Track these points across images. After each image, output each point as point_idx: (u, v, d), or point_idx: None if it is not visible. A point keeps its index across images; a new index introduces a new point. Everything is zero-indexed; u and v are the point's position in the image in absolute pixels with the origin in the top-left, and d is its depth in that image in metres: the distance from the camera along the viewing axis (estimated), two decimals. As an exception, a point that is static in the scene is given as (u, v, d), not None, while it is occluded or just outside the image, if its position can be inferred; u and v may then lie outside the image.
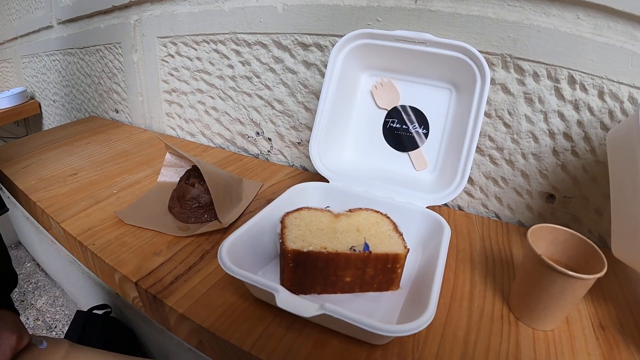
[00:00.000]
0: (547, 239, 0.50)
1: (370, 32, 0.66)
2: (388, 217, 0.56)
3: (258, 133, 0.97)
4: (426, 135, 0.69)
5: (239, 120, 0.99)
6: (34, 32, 1.66)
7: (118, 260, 0.60)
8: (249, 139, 1.00)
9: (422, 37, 0.63)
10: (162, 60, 1.08)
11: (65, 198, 0.78)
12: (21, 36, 1.80)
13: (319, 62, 0.82)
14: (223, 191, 0.70)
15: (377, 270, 0.49)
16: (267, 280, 0.44)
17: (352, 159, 0.75)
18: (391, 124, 0.71)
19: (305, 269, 0.49)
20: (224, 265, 0.47)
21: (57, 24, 1.47)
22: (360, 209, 0.59)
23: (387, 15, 0.70)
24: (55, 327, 2.33)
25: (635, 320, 0.51)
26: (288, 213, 0.57)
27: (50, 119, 1.75)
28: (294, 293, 0.44)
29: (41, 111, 1.82)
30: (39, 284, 2.63)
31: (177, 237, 0.66)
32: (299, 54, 0.84)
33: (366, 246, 0.48)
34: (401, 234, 0.53)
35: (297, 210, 0.58)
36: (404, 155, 0.71)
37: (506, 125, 0.68)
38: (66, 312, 2.40)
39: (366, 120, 0.73)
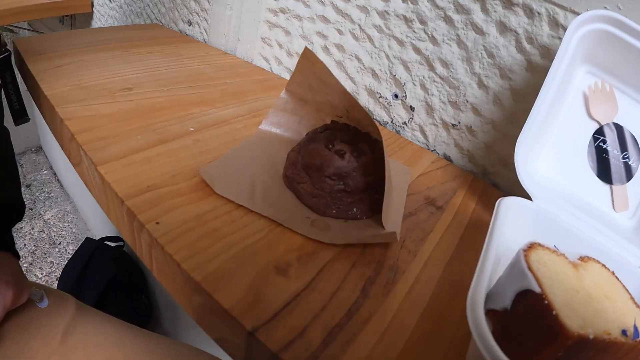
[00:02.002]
0: None
1: (619, 20, 0.44)
2: (617, 278, 0.37)
3: (396, 95, 0.63)
4: (636, 169, 0.51)
5: (373, 71, 0.65)
6: None
7: (208, 270, 0.28)
8: (381, 99, 0.65)
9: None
10: (275, -37, 0.72)
11: (111, 123, 0.46)
12: None
13: (522, 31, 0.52)
14: (389, 179, 0.36)
15: (628, 362, 0.31)
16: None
17: (549, 174, 0.52)
18: (601, 144, 0.51)
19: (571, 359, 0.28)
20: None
21: None
22: (589, 258, 0.37)
23: (632, 6, 0.45)
24: (60, 243, 2.09)
25: None
26: (525, 252, 0.31)
27: (102, 21, 1.40)
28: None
29: (93, 10, 1.47)
30: (52, 194, 2.39)
31: (314, 242, 0.34)
32: (495, 11, 0.53)
33: (636, 332, 0.30)
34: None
35: (531, 247, 0.32)
36: (605, 187, 0.51)
37: None
38: (74, 230, 2.16)
39: (572, 129, 0.52)
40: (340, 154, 0.38)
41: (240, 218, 0.35)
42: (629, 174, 0.50)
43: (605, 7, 0.46)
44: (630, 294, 0.35)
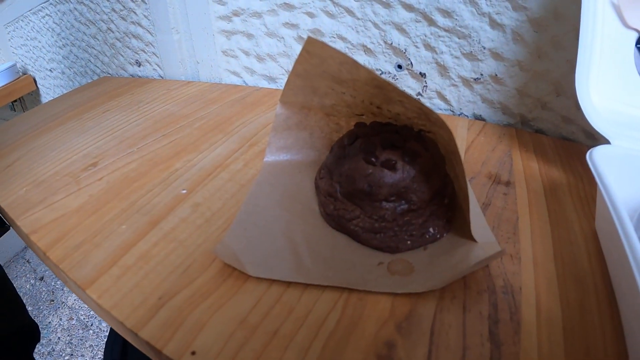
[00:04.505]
0: None
1: None
2: None
3: (400, 66, 0.53)
4: None
5: (365, 46, 0.54)
6: (12, -11, 1.19)
7: None
8: (384, 75, 0.55)
9: None
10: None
11: (84, 219, 0.35)
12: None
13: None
14: (464, 176, 0.26)
15: None
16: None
17: (609, 106, 0.42)
18: None
19: None
20: None
21: (39, -34, 1.00)
22: None
23: None
24: (92, 324, 2.00)
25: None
26: None
27: (50, 94, 1.30)
28: None
29: (37, 87, 1.37)
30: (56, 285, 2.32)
31: (405, 296, 0.24)
32: None
33: None
34: None
35: None
36: None
37: None
38: (102, 307, 2.11)
39: (613, 47, 0.42)
40: (390, 165, 0.27)
41: (298, 302, 0.24)
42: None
43: None
44: None
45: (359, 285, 0.25)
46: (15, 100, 1.48)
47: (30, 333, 0.63)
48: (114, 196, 0.38)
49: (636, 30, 0.40)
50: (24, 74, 1.43)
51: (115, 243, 0.31)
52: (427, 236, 0.28)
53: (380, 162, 0.28)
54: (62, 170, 0.46)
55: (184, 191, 0.37)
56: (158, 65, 0.81)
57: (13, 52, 1.47)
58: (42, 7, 1.12)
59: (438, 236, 0.28)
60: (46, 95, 1.37)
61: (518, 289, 0.26)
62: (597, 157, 0.31)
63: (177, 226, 0.32)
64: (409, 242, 0.27)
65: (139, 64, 0.86)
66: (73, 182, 0.42)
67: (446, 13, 0.48)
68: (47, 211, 0.38)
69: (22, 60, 1.41)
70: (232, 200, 0.35)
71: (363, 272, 0.26)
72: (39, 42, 1.24)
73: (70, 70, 1.13)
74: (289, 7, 0.58)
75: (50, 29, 1.14)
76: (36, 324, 0.65)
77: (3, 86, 1.35)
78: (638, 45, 0.41)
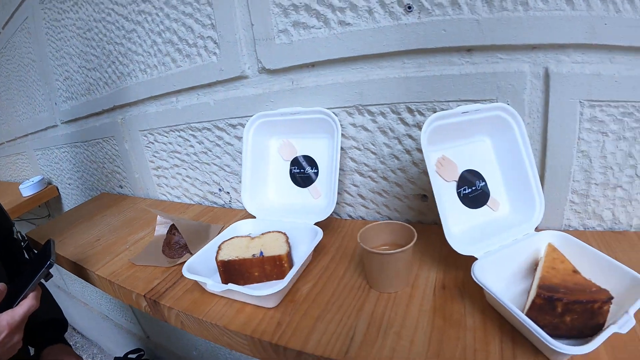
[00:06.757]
0: (386, 232, 0.70)
1: (264, 114, 0.99)
2: (284, 234, 0.85)
3: (220, 189, 1.40)
4: (316, 174, 0.97)
5: (206, 182, 1.41)
6: (42, 130, 2.00)
7: (133, 285, 1.02)
8: (215, 194, 1.42)
9: (296, 110, 0.94)
10: (146, 146, 1.51)
11: (95, 256, 1.21)
12: (31, 133, 2.12)
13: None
14: (192, 235, 1.13)
15: (272, 267, 0.76)
16: (215, 282, 0.79)
17: (272, 199, 1.07)
18: (293, 170, 1.01)
19: (231, 271, 0.78)
20: (187, 275, 0.82)
21: (61, 123, 1.81)
22: (270, 232, 0.88)
23: (276, 97, 0.99)
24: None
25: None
26: (225, 241, 0.90)
27: (69, 199, 2.18)
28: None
29: (59, 193, 2.23)
30: (77, 345, 3.10)
31: (167, 267, 1.07)
32: (231, 132, 1.20)
33: (260, 253, 0.79)
34: (288, 243, 0.81)
35: (231, 239, 0.91)
36: (305, 191, 1.00)
37: (373, 153, 0.90)
38: (106, 366, 2.81)
39: (278, 171, 1.05)
40: (173, 234, 1.15)
41: (145, 269, 1.08)
42: (314, 178, 0.96)
43: (266, 105, 1.19)
44: (287, 239, 0.83)
45: (161, 265, 1.10)
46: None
47: (63, 323, 1.24)
48: (106, 250, 1.24)
49: (288, 160, 1.26)
50: (49, 184, 2.26)
51: (105, 260, 1.16)
52: (184, 254, 1.14)
53: (172, 233, 1.15)
54: (86, 242, 1.32)
55: (127, 247, 1.24)
56: (131, 189, 1.70)
57: (41, 168, 2.29)
58: (62, 146, 1.94)
59: (188, 254, 1.15)
60: (65, 198, 2.24)
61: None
62: (234, 225, 1.17)
63: (124, 256, 1.16)
64: (177, 255, 1.12)
65: (121, 187, 1.77)
66: (91, 246, 1.29)
67: (227, 166, 1.34)
68: (82, 255, 1.26)
69: (48, 175, 2.23)
70: (141, 248, 1.22)
71: (163, 263, 1.11)
72: (61, 166, 2.08)
73: (82, 186, 2.03)
74: (176, 166, 1.46)
75: (68, 160, 2.00)
76: (66, 319, 1.37)
77: (36, 193, 2.21)
78: (290, 168, 1.16)
